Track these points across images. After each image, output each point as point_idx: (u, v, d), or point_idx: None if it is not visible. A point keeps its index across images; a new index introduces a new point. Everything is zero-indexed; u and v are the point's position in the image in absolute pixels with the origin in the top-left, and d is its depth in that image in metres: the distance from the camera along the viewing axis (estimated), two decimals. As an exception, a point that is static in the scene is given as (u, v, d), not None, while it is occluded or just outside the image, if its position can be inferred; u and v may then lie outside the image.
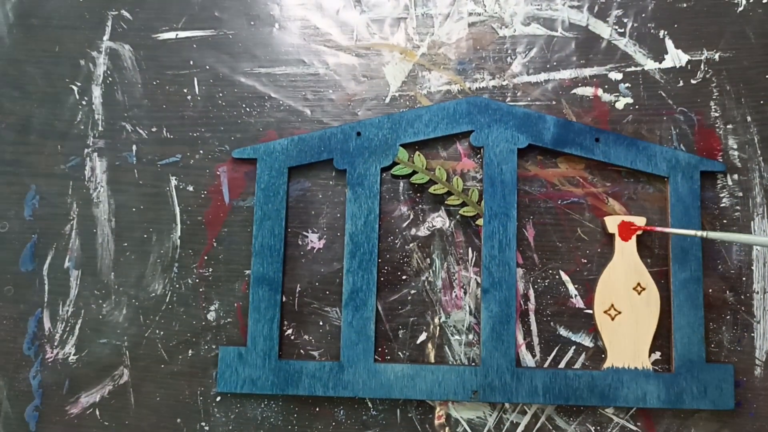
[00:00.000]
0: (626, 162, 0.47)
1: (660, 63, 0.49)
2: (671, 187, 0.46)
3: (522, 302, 0.47)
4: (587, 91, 0.49)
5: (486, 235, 0.46)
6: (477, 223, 0.47)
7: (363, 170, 0.46)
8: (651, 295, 0.45)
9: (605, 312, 0.45)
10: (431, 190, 0.47)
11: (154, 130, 0.49)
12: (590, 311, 0.46)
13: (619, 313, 0.45)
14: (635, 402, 0.44)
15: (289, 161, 0.47)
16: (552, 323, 0.47)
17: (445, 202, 0.47)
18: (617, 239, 0.46)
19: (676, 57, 0.49)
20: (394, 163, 0.47)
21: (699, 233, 0.41)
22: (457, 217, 0.47)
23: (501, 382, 0.44)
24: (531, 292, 0.47)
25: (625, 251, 0.46)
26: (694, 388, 0.44)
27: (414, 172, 0.47)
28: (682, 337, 0.45)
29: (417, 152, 0.47)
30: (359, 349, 0.45)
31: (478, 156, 0.48)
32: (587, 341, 0.46)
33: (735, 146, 0.48)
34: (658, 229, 0.45)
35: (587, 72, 0.49)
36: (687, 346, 0.45)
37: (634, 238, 0.46)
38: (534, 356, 0.46)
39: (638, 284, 0.45)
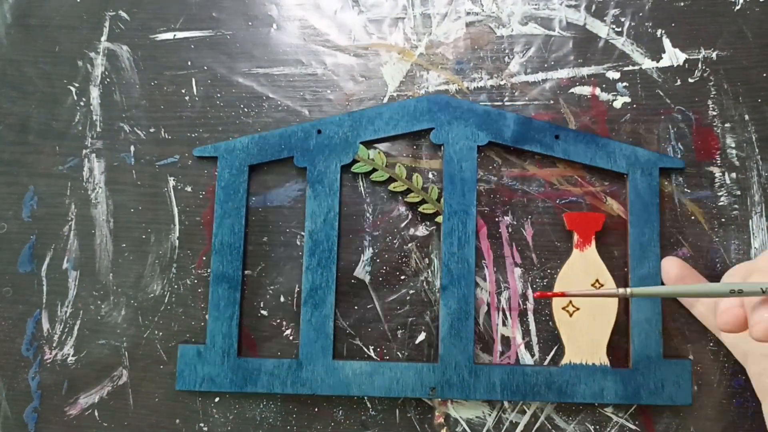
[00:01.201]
0: (586, 159, 0.47)
1: (657, 62, 0.49)
2: (630, 183, 0.46)
3: (521, 302, 0.47)
4: (585, 90, 0.49)
5: (445, 232, 0.46)
6: (437, 220, 0.47)
7: (323, 168, 0.47)
8: None
9: (563, 308, 0.45)
10: (391, 187, 0.47)
11: (152, 130, 0.49)
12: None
13: (578, 309, 0.45)
14: (593, 398, 0.44)
15: (249, 159, 0.47)
16: (550, 323, 0.46)
17: (405, 200, 0.47)
18: (575, 236, 0.46)
19: (673, 56, 0.49)
20: (355, 161, 0.47)
21: (621, 291, 0.35)
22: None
23: (459, 379, 0.45)
24: (530, 292, 0.47)
25: (584, 247, 0.46)
26: (652, 383, 0.44)
27: (374, 170, 0.47)
28: (640, 333, 0.45)
29: (378, 150, 0.47)
30: (317, 346, 0.45)
31: (439, 153, 0.48)
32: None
33: (733, 145, 0.48)
34: (572, 294, 0.37)
35: (585, 71, 0.49)
36: (644, 342, 0.45)
37: (593, 234, 0.46)
38: (533, 356, 0.46)
39: (597, 280, 0.45)
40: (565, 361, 0.45)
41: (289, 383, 0.45)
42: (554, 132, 0.47)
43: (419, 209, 0.47)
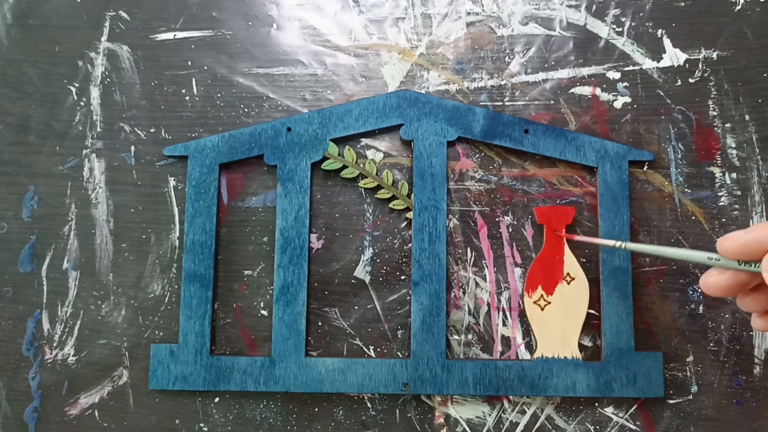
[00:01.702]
0: (555, 153, 0.47)
1: (658, 62, 0.49)
2: (600, 177, 0.47)
3: (521, 302, 0.47)
4: (585, 90, 0.49)
5: (416, 228, 0.46)
6: (407, 216, 0.47)
7: (293, 165, 0.47)
8: (580, 284, 0.46)
9: (535, 302, 0.46)
10: (361, 184, 0.47)
11: (152, 130, 0.49)
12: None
13: (549, 303, 0.45)
14: (565, 391, 0.45)
15: (219, 158, 0.47)
16: (551, 323, 0.46)
17: (375, 196, 0.47)
18: (546, 229, 0.46)
19: (674, 56, 0.49)
20: (325, 158, 0.47)
21: (618, 244, 0.41)
22: (456, 216, 0.47)
23: (431, 374, 0.45)
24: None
25: (555, 241, 0.46)
26: (623, 376, 0.45)
27: (344, 167, 0.47)
28: (611, 326, 0.45)
29: (347, 147, 0.47)
30: (290, 344, 0.45)
31: (409, 151, 0.48)
32: (585, 340, 0.46)
33: (733, 145, 0.48)
34: (579, 238, 0.45)
35: (585, 71, 0.49)
36: (616, 335, 0.45)
37: (563, 227, 0.46)
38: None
39: (567, 274, 0.46)
40: (537, 354, 0.45)
41: (262, 381, 0.45)
42: (523, 126, 0.47)
43: (390, 205, 0.47)
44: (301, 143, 0.47)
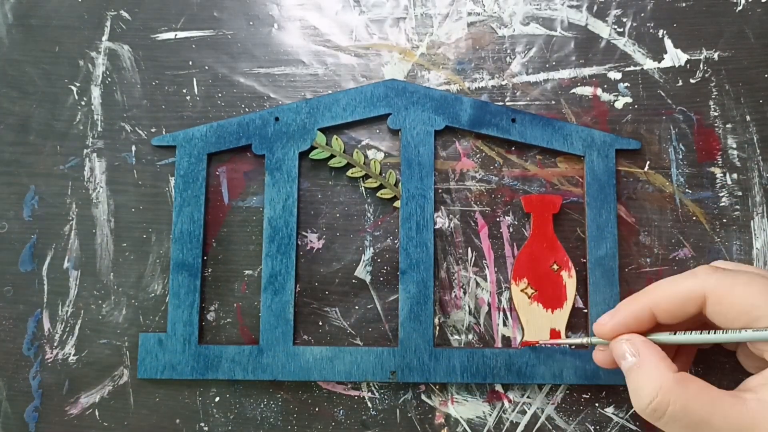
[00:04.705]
0: (542, 141, 0.47)
1: (659, 62, 0.49)
2: (587, 165, 0.47)
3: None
4: (586, 90, 0.49)
5: (403, 217, 0.46)
6: (395, 205, 0.47)
7: (281, 155, 0.47)
8: (567, 273, 0.46)
9: (522, 291, 0.46)
10: (349, 173, 0.48)
11: (153, 130, 0.49)
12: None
13: (536, 291, 0.45)
14: (552, 379, 0.45)
15: (208, 147, 0.47)
16: (551, 323, 0.46)
17: (363, 185, 0.47)
18: (533, 218, 0.46)
19: (675, 56, 0.49)
20: (313, 147, 0.47)
21: (585, 340, 0.41)
22: (457, 216, 0.47)
23: (419, 362, 0.45)
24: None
25: (542, 230, 0.46)
26: None
27: (332, 156, 0.47)
28: (598, 313, 0.45)
29: (335, 136, 0.48)
30: (278, 332, 0.45)
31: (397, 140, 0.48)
32: (585, 340, 0.46)
33: (734, 145, 0.48)
34: (543, 342, 0.44)
35: (586, 72, 0.49)
36: None
37: (550, 216, 0.46)
38: (533, 356, 0.46)
39: (554, 262, 0.46)
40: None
41: (250, 369, 0.45)
42: (511, 115, 0.47)
43: (377, 194, 0.47)
44: (288, 133, 0.47)
